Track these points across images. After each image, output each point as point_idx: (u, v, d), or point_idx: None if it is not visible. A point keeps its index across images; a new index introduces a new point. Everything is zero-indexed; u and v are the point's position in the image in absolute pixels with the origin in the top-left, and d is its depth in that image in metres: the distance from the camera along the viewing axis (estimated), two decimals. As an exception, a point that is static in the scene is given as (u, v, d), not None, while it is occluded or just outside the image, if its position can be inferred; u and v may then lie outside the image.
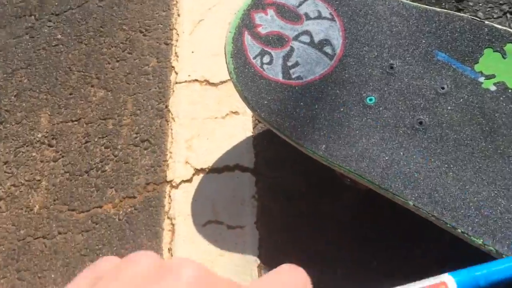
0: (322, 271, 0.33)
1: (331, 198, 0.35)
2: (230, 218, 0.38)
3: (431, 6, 0.36)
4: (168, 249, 0.38)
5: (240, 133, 0.42)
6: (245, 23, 0.34)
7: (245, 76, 0.33)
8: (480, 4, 0.36)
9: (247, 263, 0.35)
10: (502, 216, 0.28)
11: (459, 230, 0.28)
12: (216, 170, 0.41)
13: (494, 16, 0.36)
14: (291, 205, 0.37)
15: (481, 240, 0.28)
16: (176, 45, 0.48)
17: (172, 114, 0.46)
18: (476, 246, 0.28)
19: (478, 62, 0.31)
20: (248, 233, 0.36)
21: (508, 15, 0.35)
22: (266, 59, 0.33)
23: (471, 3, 0.36)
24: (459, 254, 0.29)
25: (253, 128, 0.41)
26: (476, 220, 0.28)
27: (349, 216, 0.35)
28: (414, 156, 0.30)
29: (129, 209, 0.41)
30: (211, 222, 0.38)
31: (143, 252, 0.07)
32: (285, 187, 0.38)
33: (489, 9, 0.36)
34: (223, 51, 0.34)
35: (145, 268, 0.06)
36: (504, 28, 0.30)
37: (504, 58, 0.30)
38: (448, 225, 0.29)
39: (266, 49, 0.33)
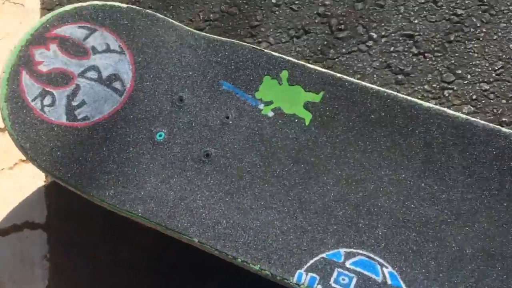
0: None
1: (128, 243, 0.46)
2: (18, 286, 0.45)
3: (227, 33, 0.52)
4: None
5: (30, 183, 0.45)
6: (23, 61, 0.42)
7: (22, 122, 0.38)
8: (271, 30, 0.52)
9: None
10: (277, 238, 0.41)
11: (239, 260, 0.40)
12: (1, 232, 0.46)
13: (283, 41, 0.53)
14: (86, 258, 0.41)
15: (258, 265, 0.40)
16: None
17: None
18: (255, 272, 0.41)
19: (258, 90, 0.45)
20: None
21: (295, 39, 0.52)
22: (47, 100, 0.44)
23: (263, 29, 0.53)
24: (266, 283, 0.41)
25: (46, 176, 0.46)
26: (254, 246, 0.41)
27: (147, 260, 0.45)
28: (201, 191, 0.41)
29: None
30: None
31: None
32: (80, 238, 0.46)
33: (278, 34, 0.52)
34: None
35: None
36: (280, 55, 0.46)
37: (280, 84, 0.45)
38: (230, 256, 0.40)
39: (47, 89, 0.44)
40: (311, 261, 0.36)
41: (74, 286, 0.40)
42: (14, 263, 0.40)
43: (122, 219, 0.38)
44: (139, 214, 0.36)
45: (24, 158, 0.45)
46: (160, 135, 0.38)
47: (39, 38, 0.39)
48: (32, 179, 0.43)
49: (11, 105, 0.37)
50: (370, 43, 0.43)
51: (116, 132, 0.38)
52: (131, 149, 0.37)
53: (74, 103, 0.38)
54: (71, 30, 0.39)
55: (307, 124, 0.39)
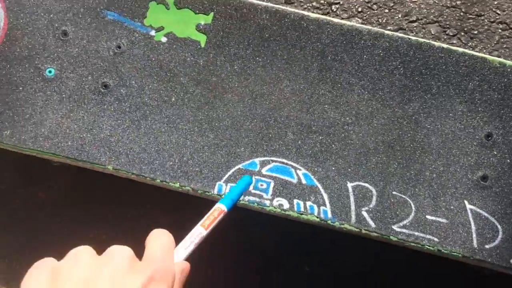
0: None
1: (44, 185, 0.81)
2: None
3: None
4: None
5: None
6: None
7: None
8: None
9: None
10: (192, 156, 0.81)
11: (158, 180, 0.79)
12: None
13: None
14: (3, 204, 0.79)
15: (178, 183, 0.80)
16: None
17: None
18: (175, 190, 0.80)
19: (146, 17, 0.86)
20: None
21: None
22: None
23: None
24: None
25: None
26: (171, 166, 0.80)
27: (65, 198, 0.81)
28: (106, 121, 0.80)
29: None
30: None
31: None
32: None
33: None
34: None
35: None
36: None
37: (167, 9, 0.87)
38: (148, 178, 0.79)
39: None
40: (229, 173, 0.77)
41: None
42: None
43: (33, 162, 0.75)
44: (45, 150, 0.72)
45: None
46: (50, 71, 0.76)
47: None
48: None
49: None
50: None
51: (0, 73, 0.74)
52: (21, 88, 0.74)
53: None
54: None
55: (202, 45, 0.81)
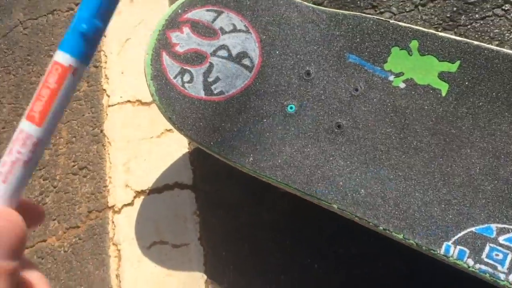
0: (266, 279, 0.51)
1: (268, 206, 0.55)
2: (174, 237, 0.58)
3: (346, 6, 0.60)
4: (116, 275, 0.57)
5: (176, 150, 0.64)
6: (162, 44, 0.58)
7: (167, 97, 0.55)
8: (393, 0, 0.60)
9: (194, 280, 0.54)
10: (419, 209, 0.47)
11: (381, 228, 0.47)
12: (156, 190, 0.62)
13: (407, 10, 0.59)
14: (231, 217, 0.57)
15: (402, 234, 0.46)
16: (105, 67, 0.74)
17: (108, 138, 0.69)
18: (398, 240, 0.47)
19: (387, 62, 0.53)
20: (193, 249, 0.56)
21: (420, 8, 0.58)
22: (186, 77, 0.57)
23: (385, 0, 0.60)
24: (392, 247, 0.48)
25: (189, 144, 0.64)
26: (396, 215, 0.47)
27: (286, 223, 0.54)
28: (335, 160, 0.51)
29: (73, 240, 0.61)
30: (156, 243, 0.58)
31: None
32: (224, 200, 0.58)
33: (401, 3, 0.59)
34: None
35: None
36: (407, 25, 0.53)
37: (410, 55, 0.52)
38: (371, 224, 0.47)
39: (185, 67, 0.57)
40: (459, 234, 0.41)
41: (223, 242, 0.51)
42: (170, 216, 0.52)
43: (262, 184, 0.48)
44: (279, 180, 0.45)
45: (168, 127, 0.58)
46: (291, 108, 0.47)
47: (173, 22, 0.51)
48: (177, 146, 0.56)
49: (157, 82, 0.49)
50: (507, 6, 0.48)
51: (249, 105, 0.48)
52: (265, 120, 0.47)
53: (210, 79, 0.49)
54: (200, 14, 0.51)
55: (443, 94, 0.45)
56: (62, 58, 0.15)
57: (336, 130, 0.51)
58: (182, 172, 0.62)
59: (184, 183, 0.61)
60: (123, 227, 0.61)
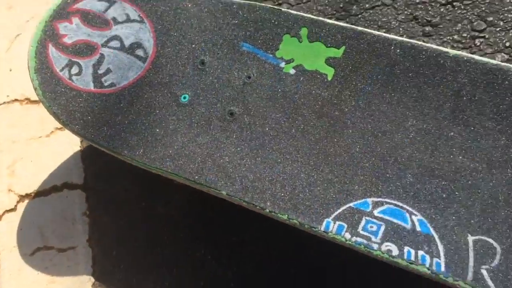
0: (159, 273, 0.81)
1: (164, 200, 0.86)
2: (60, 241, 0.87)
3: None
4: (-8, 289, 0.85)
5: (67, 149, 0.94)
6: (48, 35, 0.88)
7: (52, 91, 0.86)
8: None
9: (81, 284, 0.83)
10: (304, 189, 0.79)
11: (267, 210, 0.79)
12: (42, 193, 0.91)
13: (304, 1, 0.93)
14: (124, 215, 0.87)
15: (286, 215, 0.78)
16: (-11, 62, 1.03)
17: (-11, 143, 0.97)
18: (282, 221, 0.78)
19: (279, 49, 0.85)
20: (81, 252, 0.85)
21: None
22: (74, 70, 0.87)
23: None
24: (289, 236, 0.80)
25: (81, 142, 0.94)
26: (282, 197, 0.79)
27: (181, 216, 0.85)
28: (227, 147, 0.82)
29: None
30: (40, 249, 0.87)
31: None
32: (117, 197, 0.88)
33: None
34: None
35: None
36: (298, 13, 0.86)
37: (300, 42, 0.85)
38: (258, 207, 0.79)
39: (74, 59, 0.87)
40: (339, 210, 0.74)
41: (114, 241, 0.82)
42: (56, 220, 0.82)
43: (157, 178, 0.79)
44: (169, 171, 0.76)
45: (59, 126, 0.88)
46: (185, 97, 0.79)
47: (61, 13, 0.82)
48: (68, 145, 0.86)
49: (41, 76, 0.80)
50: (396, -5, 0.82)
51: (142, 97, 0.79)
52: (157, 111, 0.78)
53: (100, 71, 0.80)
54: (92, 3, 0.83)
55: (329, 79, 0.78)
56: None
57: (228, 118, 0.83)
58: (73, 171, 0.91)
59: (74, 183, 0.90)
60: (3, 235, 0.89)
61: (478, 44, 0.86)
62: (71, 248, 0.88)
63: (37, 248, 0.89)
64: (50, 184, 0.92)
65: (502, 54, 0.85)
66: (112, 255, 0.86)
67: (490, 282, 0.74)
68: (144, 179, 0.89)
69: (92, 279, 0.85)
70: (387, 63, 0.84)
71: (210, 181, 0.83)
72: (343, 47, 0.85)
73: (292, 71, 0.86)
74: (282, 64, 0.87)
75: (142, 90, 0.87)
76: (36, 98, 0.99)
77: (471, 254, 0.76)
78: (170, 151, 0.85)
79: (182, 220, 0.87)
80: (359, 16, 0.90)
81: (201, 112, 0.86)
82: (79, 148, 0.95)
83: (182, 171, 0.84)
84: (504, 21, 0.86)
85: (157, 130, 0.85)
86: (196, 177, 0.83)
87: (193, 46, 0.89)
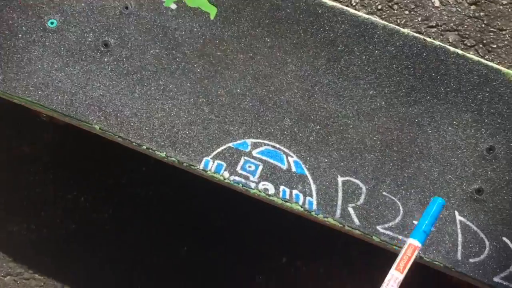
0: (25, 215, 0.72)
1: (30, 140, 0.76)
2: None
3: None
4: None
5: None
6: None
7: None
8: None
9: None
10: (183, 128, 0.76)
11: (144, 147, 0.74)
12: None
13: None
14: None
15: (164, 153, 0.74)
16: None
17: None
18: (161, 159, 0.74)
19: None
20: None
21: None
22: None
23: None
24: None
25: None
26: (160, 134, 0.75)
27: (48, 155, 0.76)
28: (101, 80, 0.76)
29: None
30: None
31: None
32: None
33: None
34: None
35: None
36: None
37: None
38: (134, 144, 0.74)
39: None
40: (218, 150, 0.72)
41: None
42: None
43: (22, 117, 0.69)
44: (34, 101, 0.67)
45: None
46: (52, 23, 0.71)
47: None
48: None
49: None
50: None
51: (2, 18, 0.68)
52: (20, 35, 0.69)
53: None
54: None
55: (212, 18, 0.75)
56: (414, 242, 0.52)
57: (102, 49, 0.76)
58: None
59: None
60: None
61: (354, 4, 0.90)
62: None
63: None
64: None
65: (375, 16, 0.90)
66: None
67: (355, 219, 0.78)
68: (7, 115, 0.78)
69: None
70: (269, 8, 0.83)
71: (81, 114, 0.75)
72: (227, -13, 0.83)
73: (174, 6, 0.82)
74: (164, -2, 0.82)
75: (1, 10, 0.76)
76: None
77: (340, 193, 0.79)
78: (35, 80, 0.74)
79: (50, 161, 0.78)
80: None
81: (72, 40, 0.77)
82: None
83: (49, 101, 0.74)
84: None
85: (20, 56, 0.74)
86: (65, 109, 0.74)
87: (63, -33, 0.79)
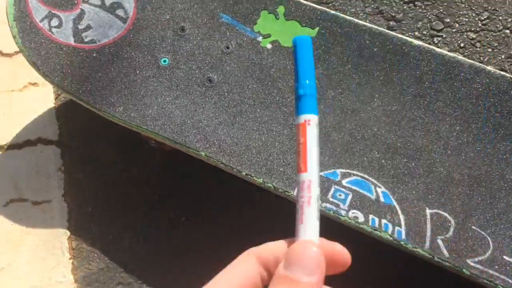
0: (134, 232, 0.77)
1: (139, 163, 0.83)
2: (35, 194, 0.81)
3: None
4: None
5: (40, 105, 0.88)
6: None
7: (32, 41, 0.81)
8: None
9: (56, 237, 0.77)
10: (278, 157, 0.79)
11: (244, 173, 0.78)
12: (15, 146, 0.84)
13: None
14: (100, 174, 0.82)
15: (261, 179, 0.78)
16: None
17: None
18: (258, 185, 0.78)
19: (256, 23, 0.86)
20: (56, 206, 0.80)
21: None
22: (54, 22, 0.82)
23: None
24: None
25: (55, 99, 0.88)
26: (257, 162, 0.79)
27: (156, 178, 0.82)
28: (206, 112, 0.81)
29: None
30: (14, 201, 0.80)
31: None
32: (93, 156, 0.84)
33: None
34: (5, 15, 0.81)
35: None
36: None
37: (277, 19, 0.86)
38: (235, 170, 0.78)
39: (53, 11, 0.83)
40: None
41: (89, 198, 0.78)
42: (31, 173, 0.77)
43: (133, 140, 0.76)
44: (149, 129, 0.74)
45: (32, 81, 0.84)
46: (165, 61, 0.78)
47: None
48: (42, 101, 0.82)
49: (20, 24, 0.76)
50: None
51: (122, 56, 0.77)
52: (137, 71, 0.76)
53: (80, 27, 0.77)
54: None
55: None
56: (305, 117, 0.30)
57: (207, 84, 0.82)
58: (47, 127, 0.86)
59: (49, 138, 0.85)
60: (-26, 188, 0.82)
61: (436, 42, 0.92)
62: (46, 201, 0.82)
63: (10, 199, 0.83)
64: (24, 138, 0.85)
65: (457, 53, 0.91)
66: (87, 211, 0.82)
67: (445, 251, 0.77)
68: (120, 141, 0.86)
69: (68, 233, 0.81)
70: (357, 47, 0.87)
71: (189, 141, 0.80)
72: (317, 28, 0.87)
73: (269, 46, 0.87)
74: (260, 38, 0.87)
75: (122, 50, 0.84)
76: (8, 51, 0.92)
77: (428, 225, 0.79)
78: (150, 111, 0.81)
79: (156, 183, 0.83)
80: (329, 4, 0.94)
81: (181, 76, 0.84)
82: (53, 105, 0.89)
83: (162, 130, 0.80)
84: (459, 23, 0.93)
85: (137, 89, 0.81)
86: (176, 137, 0.80)
87: (174, 12, 0.87)
